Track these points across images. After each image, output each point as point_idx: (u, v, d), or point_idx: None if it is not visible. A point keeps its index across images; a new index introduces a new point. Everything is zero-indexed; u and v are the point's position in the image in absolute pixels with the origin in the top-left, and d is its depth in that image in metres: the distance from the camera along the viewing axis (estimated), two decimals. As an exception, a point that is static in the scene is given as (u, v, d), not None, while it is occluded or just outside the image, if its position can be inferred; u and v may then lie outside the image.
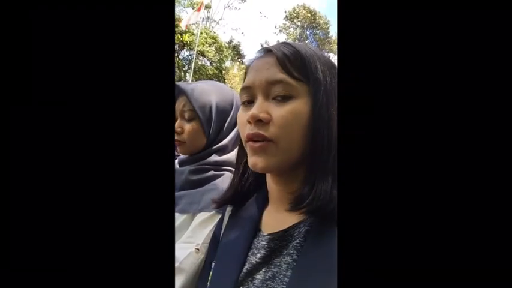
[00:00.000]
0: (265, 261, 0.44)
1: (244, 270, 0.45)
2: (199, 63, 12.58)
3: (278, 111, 0.43)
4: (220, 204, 0.56)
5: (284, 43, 0.48)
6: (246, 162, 0.51)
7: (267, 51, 0.48)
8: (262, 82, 0.45)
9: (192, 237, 0.66)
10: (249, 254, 0.46)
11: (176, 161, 0.84)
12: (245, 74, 0.50)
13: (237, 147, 0.56)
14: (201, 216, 0.68)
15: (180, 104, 0.79)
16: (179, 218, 0.71)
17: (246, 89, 0.47)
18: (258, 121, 0.43)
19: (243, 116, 0.47)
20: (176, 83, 0.81)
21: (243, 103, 0.48)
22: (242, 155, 0.53)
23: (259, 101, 0.44)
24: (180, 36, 11.30)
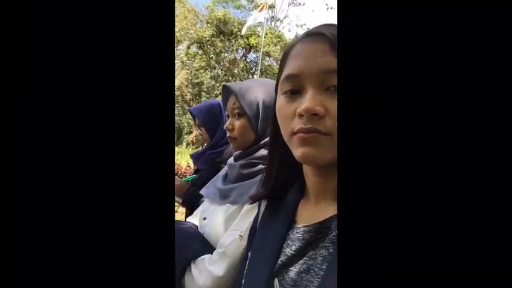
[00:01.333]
0: (301, 254, 0.43)
1: (279, 262, 0.44)
2: (266, 63, 12.80)
3: (336, 104, 0.38)
4: (256, 200, 0.56)
5: (331, 25, 0.43)
6: (281, 156, 0.50)
7: (312, 34, 0.43)
8: (314, 71, 0.40)
9: (237, 226, 0.72)
10: (284, 245, 0.45)
11: (232, 157, 0.89)
12: (283, 60, 0.45)
13: (270, 142, 0.54)
14: (247, 206, 0.72)
15: (230, 103, 0.85)
16: (230, 209, 0.77)
17: (291, 77, 0.42)
18: (312, 115, 0.39)
19: (286, 107, 0.42)
20: (225, 83, 0.87)
21: (285, 93, 0.43)
22: (276, 148, 0.51)
23: (312, 92, 0.40)
24: (246, 40, 11.66)
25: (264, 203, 0.56)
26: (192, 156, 1.39)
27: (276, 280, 0.43)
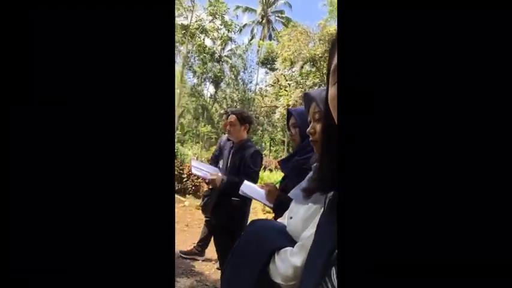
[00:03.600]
0: None
1: (337, 251, 0.43)
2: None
3: None
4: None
5: None
6: (334, 148, 0.47)
7: None
8: None
9: (316, 222, 0.77)
10: None
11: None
12: (332, 50, 0.45)
13: (322, 133, 0.53)
14: None
15: (311, 109, 0.88)
16: (311, 208, 0.81)
17: None
18: None
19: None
20: (305, 92, 0.93)
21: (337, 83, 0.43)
22: (329, 140, 0.49)
23: None
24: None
25: (328, 198, 0.55)
26: (281, 162, 1.39)
27: (334, 269, 0.42)
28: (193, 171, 2.08)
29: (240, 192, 1.46)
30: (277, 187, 1.38)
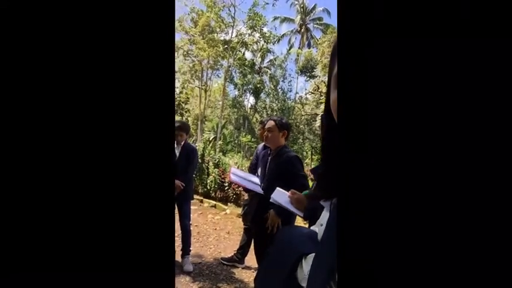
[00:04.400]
0: None
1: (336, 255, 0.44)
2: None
3: None
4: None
5: None
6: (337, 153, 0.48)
7: None
8: None
9: None
10: None
11: None
12: (333, 54, 0.44)
13: (325, 139, 0.52)
14: None
15: None
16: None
17: None
18: None
19: None
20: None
21: None
22: (332, 145, 0.49)
23: None
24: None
25: (334, 204, 0.55)
26: (312, 170, 1.35)
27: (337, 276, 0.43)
28: (233, 178, 2.11)
29: (271, 200, 1.43)
30: (305, 197, 1.35)
